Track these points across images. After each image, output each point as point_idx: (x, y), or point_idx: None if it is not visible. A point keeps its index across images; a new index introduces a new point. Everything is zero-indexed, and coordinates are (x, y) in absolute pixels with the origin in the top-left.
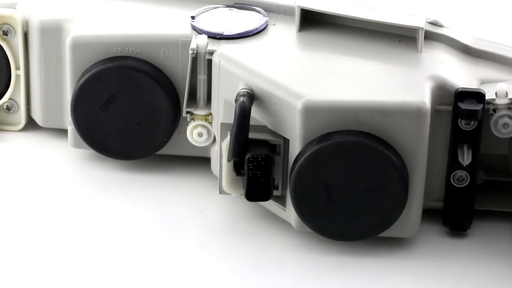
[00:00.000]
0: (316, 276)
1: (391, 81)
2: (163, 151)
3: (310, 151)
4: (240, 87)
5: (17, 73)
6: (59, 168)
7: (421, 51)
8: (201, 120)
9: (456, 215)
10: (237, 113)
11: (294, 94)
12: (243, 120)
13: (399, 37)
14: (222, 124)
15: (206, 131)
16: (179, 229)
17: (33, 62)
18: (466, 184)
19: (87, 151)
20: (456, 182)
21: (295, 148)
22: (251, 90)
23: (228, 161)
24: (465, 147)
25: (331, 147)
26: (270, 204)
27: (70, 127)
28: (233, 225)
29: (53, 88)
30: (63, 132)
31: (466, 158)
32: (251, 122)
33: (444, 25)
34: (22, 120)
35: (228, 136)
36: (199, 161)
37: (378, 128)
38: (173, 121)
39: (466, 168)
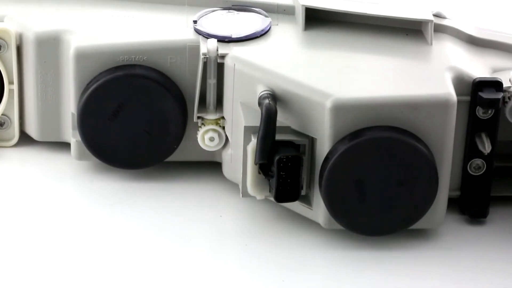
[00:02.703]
0: (351, 272)
1: (412, 75)
2: (171, 157)
3: (342, 149)
4: (261, 89)
5: (10, 88)
6: (64, 183)
7: (431, 44)
8: (212, 124)
9: (474, 202)
10: (264, 115)
11: (321, 93)
12: (270, 122)
13: (406, 31)
14: (245, 127)
15: (217, 135)
16: (203, 236)
17: (27, 75)
18: (482, 171)
19: (88, 162)
20: (473, 170)
21: (323, 147)
22: (273, 91)
23: (256, 163)
24: (483, 135)
25: (364, 143)
26: (294, 204)
27: (74, 139)
28: (257, 227)
29: (50, 101)
30: (58, 145)
31: (487, 146)
32: None
33: (447, 16)
34: (16, 135)
35: (253, 139)
36: (206, 166)
37: (407, 122)
38: (182, 127)
39: (484, 156)
